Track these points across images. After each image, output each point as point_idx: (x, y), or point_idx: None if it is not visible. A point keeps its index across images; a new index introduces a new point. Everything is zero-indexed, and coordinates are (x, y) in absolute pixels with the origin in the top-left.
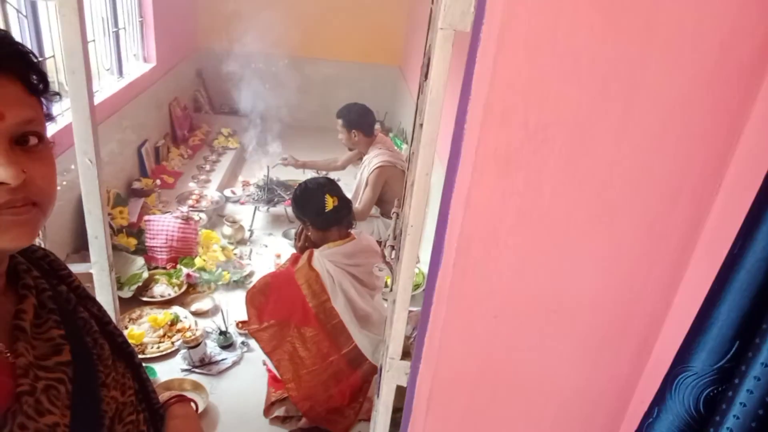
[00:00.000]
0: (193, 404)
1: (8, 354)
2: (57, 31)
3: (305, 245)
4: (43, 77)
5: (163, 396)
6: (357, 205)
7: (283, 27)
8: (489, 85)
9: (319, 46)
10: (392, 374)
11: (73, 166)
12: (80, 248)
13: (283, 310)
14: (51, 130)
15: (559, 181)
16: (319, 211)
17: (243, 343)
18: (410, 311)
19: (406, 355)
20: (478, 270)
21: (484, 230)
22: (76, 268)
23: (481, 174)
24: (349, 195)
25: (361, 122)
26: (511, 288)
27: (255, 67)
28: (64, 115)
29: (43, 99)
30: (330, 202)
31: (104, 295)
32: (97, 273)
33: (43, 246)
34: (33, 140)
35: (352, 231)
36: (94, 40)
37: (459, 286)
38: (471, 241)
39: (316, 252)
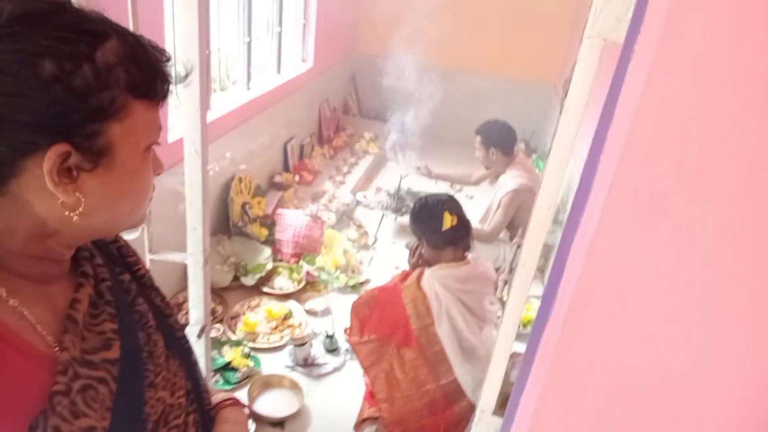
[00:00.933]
0: (246, 410)
1: (56, 347)
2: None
3: (418, 262)
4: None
5: (217, 397)
6: (486, 227)
7: (439, 38)
8: (637, 108)
9: (472, 59)
10: (481, 429)
11: (228, 154)
12: (217, 231)
13: (385, 327)
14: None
15: (719, 242)
16: (435, 229)
17: (347, 350)
18: (516, 354)
19: (503, 404)
20: (594, 333)
21: (608, 286)
22: (172, 256)
23: (613, 218)
24: (478, 215)
25: (500, 141)
26: (635, 361)
27: (406, 76)
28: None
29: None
30: (448, 221)
31: (196, 288)
32: (191, 265)
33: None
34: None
35: (469, 255)
36: (255, 39)
37: (568, 348)
38: (590, 297)
39: (427, 271)
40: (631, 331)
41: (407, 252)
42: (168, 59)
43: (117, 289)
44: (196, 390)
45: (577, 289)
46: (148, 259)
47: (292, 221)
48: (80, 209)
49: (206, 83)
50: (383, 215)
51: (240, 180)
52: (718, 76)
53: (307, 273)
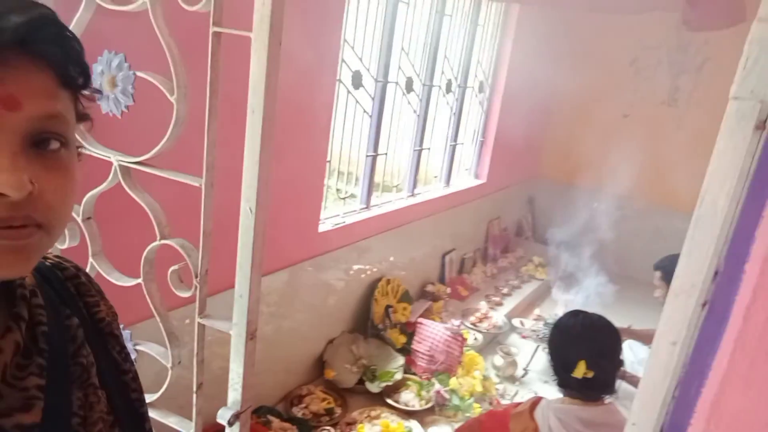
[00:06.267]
0: None
1: None
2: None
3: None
4: (83, 69)
5: None
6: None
7: (632, 169)
8: None
9: (664, 194)
10: None
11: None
12: (354, 329)
13: None
14: (370, 214)
15: None
16: (564, 367)
17: None
18: None
19: None
20: None
21: None
22: (218, 324)
23: (741, 364)
24: None
25: None
26: None
27: (591, 206)
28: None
29: (80, 98)
30: (580, 371)
31: (236, 365)
32: (234, 337)
33: None
34: (54, 144)
35: (608, 397)
36: (429, 149)
37: None
38: None
39: (544, 401)
40: None
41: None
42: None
43: (56, 336)
44: None
45: None
46: (197, 321)
47: (431, 333)
48: None
49: (269, 132)
50: (538, 347)
51: (388, 282)
52: None
53: (437, 393)
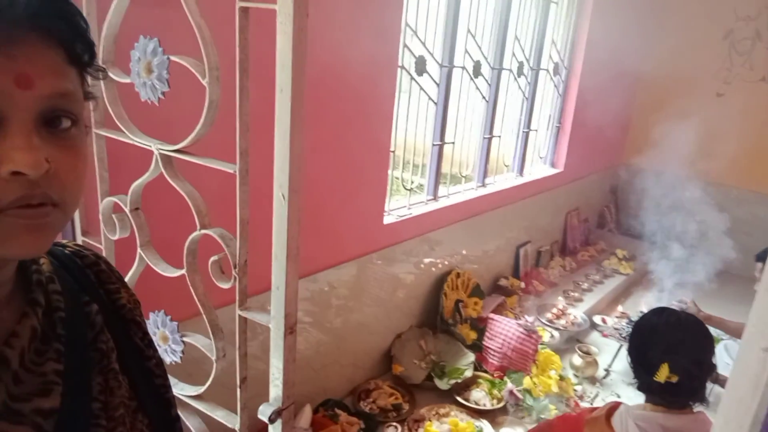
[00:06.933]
0: None
1: None
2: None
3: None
4: (89, 46)
5: None
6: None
7: (727, 154)
8: None
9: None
10: None
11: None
12: (423, 324)
13: None
14: (438, 205)
15: None
16: (646, 370)
17: None
18: None
19: None
20: None
21: None
22: (258, 317)
23: None
24: None
25: None
26: None
27: (681, 195)
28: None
29: (86, 75)
30: (663, 375)
31: (276, 360)
32: (273, 330)
33: None
34: (65, 122)
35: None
36: (499, 136)
37: None
38: None
39: (624, 406)
40: None
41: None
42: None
43: (75, 322)
44: None
45: None
46: (237, 313)
47: (503, 329)
48: None
49: (299, 112)
50: (621, 346)
51: (458, 275)
52: None
53: (510, 392)
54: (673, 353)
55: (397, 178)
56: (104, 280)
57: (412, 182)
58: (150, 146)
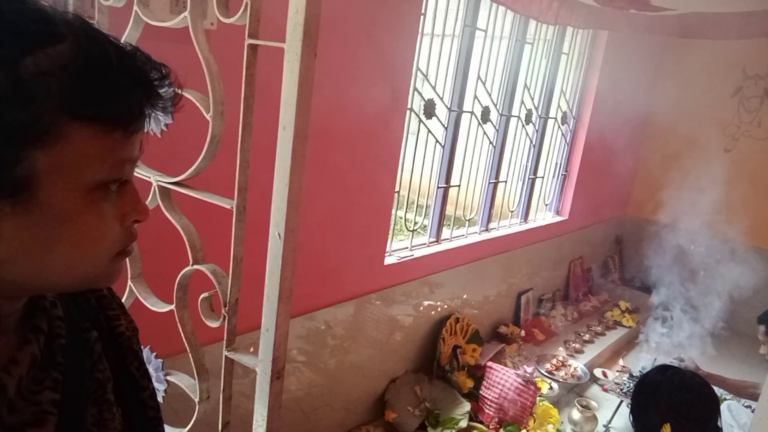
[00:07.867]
0: None
1: None
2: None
3: None
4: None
5: None
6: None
7: (734, 210)
8: None
9: None
10: None
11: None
12: (419, 369)
13: None
14: (440, 248)
15: None
16: (648, 430)
17: None
18: None
19: None
20: None
21: None
22: (245, 359)
23: None
24: None
25: None
26: None
27: (687, 249)
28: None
29: None
30: None
31: (261, 406)
32: (260, 375)
33: None
34: None
35: None
36: (505, 182)
37: None
38: None
39: None
40: None
41: None
42: (163, 77)
43: (74, 350)
44: None
45: None
46: (224, 354)
47: (501, 379)
48: None
49: (301, 151)
50: (621, 402)
51: (457, 320)
52: None
53: None
54: (676, 415)
55: (400, 218)
56: (105, 305)
57: (416, 223)
58: (149, 177)
